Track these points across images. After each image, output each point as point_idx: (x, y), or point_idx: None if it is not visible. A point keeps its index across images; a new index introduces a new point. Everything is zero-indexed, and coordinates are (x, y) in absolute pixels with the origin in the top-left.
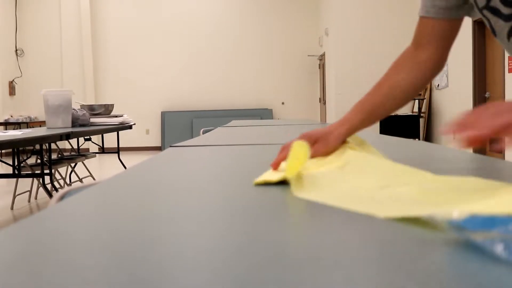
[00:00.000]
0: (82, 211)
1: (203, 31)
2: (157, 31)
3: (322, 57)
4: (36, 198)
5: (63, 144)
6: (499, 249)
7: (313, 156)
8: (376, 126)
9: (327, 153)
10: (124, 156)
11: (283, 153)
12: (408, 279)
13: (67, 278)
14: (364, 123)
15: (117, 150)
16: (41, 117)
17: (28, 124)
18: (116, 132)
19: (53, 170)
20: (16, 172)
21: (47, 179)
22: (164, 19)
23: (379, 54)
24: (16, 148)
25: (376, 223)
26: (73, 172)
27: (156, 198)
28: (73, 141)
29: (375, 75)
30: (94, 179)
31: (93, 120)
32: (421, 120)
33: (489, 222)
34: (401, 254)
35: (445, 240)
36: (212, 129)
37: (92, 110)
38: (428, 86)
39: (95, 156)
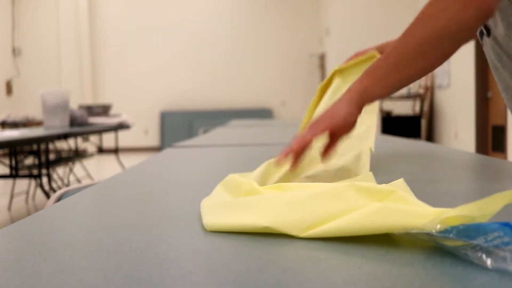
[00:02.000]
0: (80, 212)
1: (203, 30)
2: (156, 30)
3: (322, 57)
4: (34, 199)
5: (61, 144)
6: (480, 258)
7: None
8: (378, 125)
9: None
10: (123, 156)
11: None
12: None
13: (64, 279)
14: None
15: (116, 151)
16: (39, 117)
17: (26, 124)
18: (114, 132)
19: (50, 171)
20: (14, 172)
21: (44, 180)
22: (163, 18)
23: None
24: (14, 149)
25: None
26: (71, 173)
27: (154, 199)
28: (71, 141)
29: None
30: (92, 179)
31: (91, 120)
32: (423, 120)
33: (469, 231)
34: (393, 259)
35: (430, 248)
36: (212, 129)
37: (91, 110)
38: (430, 86)
39: (93, 156)
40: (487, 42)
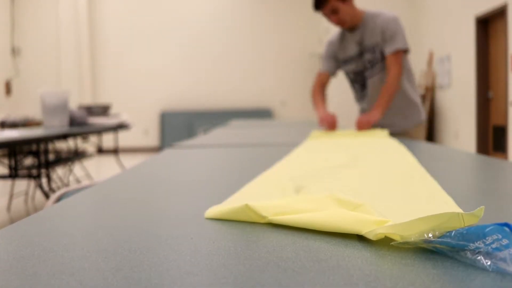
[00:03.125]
0: (79, 213)
1: (202, 30)
2: (156, 30)
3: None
4: (33, 199)
5: (61, 145)
6: (480, 260)
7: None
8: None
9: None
10: (123, 156)
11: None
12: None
13: (64, 280)
14: None
15: (116, 151)
16: (38, 117)
17: (25, 124)
18: (114, 133)
19: (50, 171)
20: (13, 173)
21: (44, 180)
22: (163, 18)
23: None
24: (13, 149)
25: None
26: (70, 173)
27: (154, 199)
28: (71, 142)
29: None
30: (92, 180)
31: (91, 120)
32: None
33: (466, 236)
34: (394, 261)
35: (431, 251)
36: (212, 129)
37: (90, 110)
38: (431, 86)
39: (93, 156)
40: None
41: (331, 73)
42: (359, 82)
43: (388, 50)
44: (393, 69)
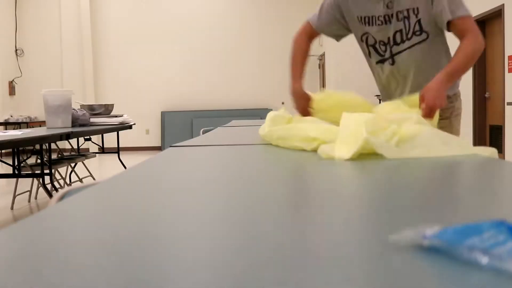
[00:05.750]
0: (82, 211)
1: (203, 30)
2: (157, 31)
3: (322, 57)
4: (36, 198)
5: (63, 144)
6: (476, 257)
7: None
8: None
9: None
10: (124, 156)
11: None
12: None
13: (66, 278)
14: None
15: (117, 150)
16: (41, 117)
17: (28, 124)
18: (116, 132)
19: (53, 170)
20: (16, 172)
21: (47, 179)
22: (164, 19)
23: None
24: (16, 148)
25: (373, 225)
26: (73, 172)
27: (156, 198)
28: (73, 141)
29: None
30: (94, 179)
31: (93, 120)
32: None
33: (463, 232)
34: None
35: (431, 248)
36: (212, 129)
37: (92, 110)
38: None
39: (95, 156)
40: (383, 66)
41: (321, 32)
42: (380, 55)
43: (453, 16)
44: (468, 34)
